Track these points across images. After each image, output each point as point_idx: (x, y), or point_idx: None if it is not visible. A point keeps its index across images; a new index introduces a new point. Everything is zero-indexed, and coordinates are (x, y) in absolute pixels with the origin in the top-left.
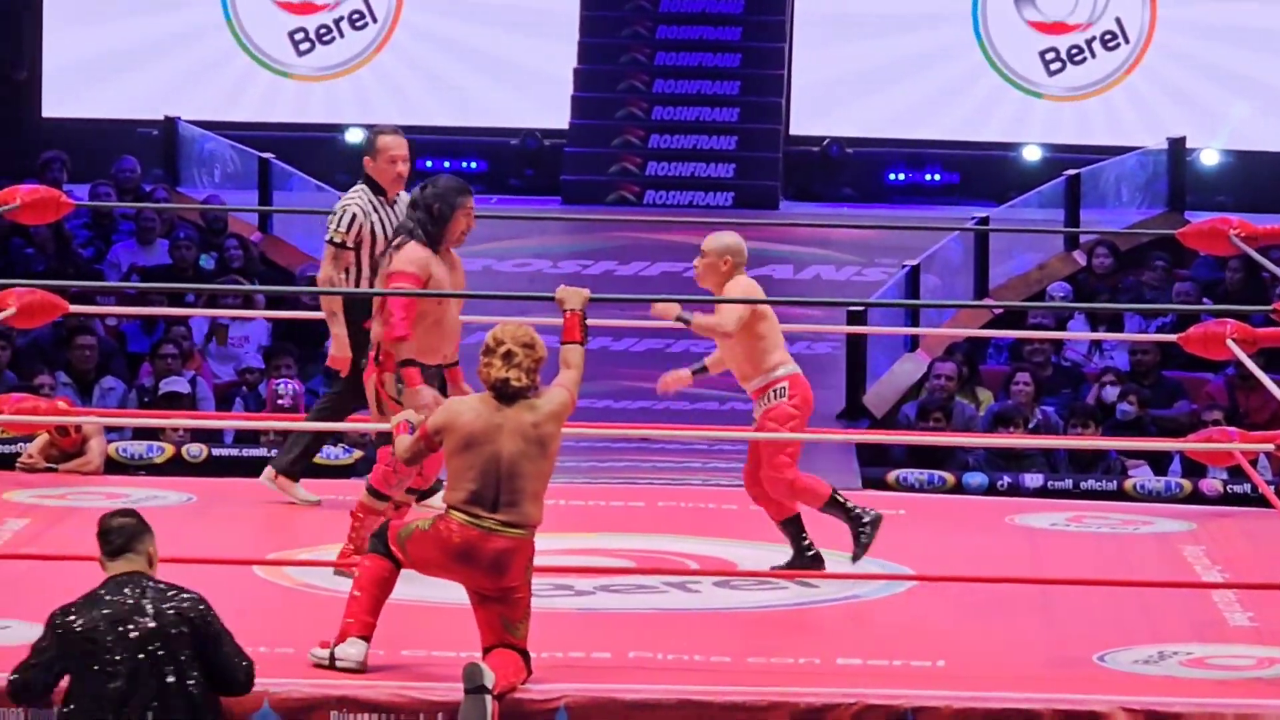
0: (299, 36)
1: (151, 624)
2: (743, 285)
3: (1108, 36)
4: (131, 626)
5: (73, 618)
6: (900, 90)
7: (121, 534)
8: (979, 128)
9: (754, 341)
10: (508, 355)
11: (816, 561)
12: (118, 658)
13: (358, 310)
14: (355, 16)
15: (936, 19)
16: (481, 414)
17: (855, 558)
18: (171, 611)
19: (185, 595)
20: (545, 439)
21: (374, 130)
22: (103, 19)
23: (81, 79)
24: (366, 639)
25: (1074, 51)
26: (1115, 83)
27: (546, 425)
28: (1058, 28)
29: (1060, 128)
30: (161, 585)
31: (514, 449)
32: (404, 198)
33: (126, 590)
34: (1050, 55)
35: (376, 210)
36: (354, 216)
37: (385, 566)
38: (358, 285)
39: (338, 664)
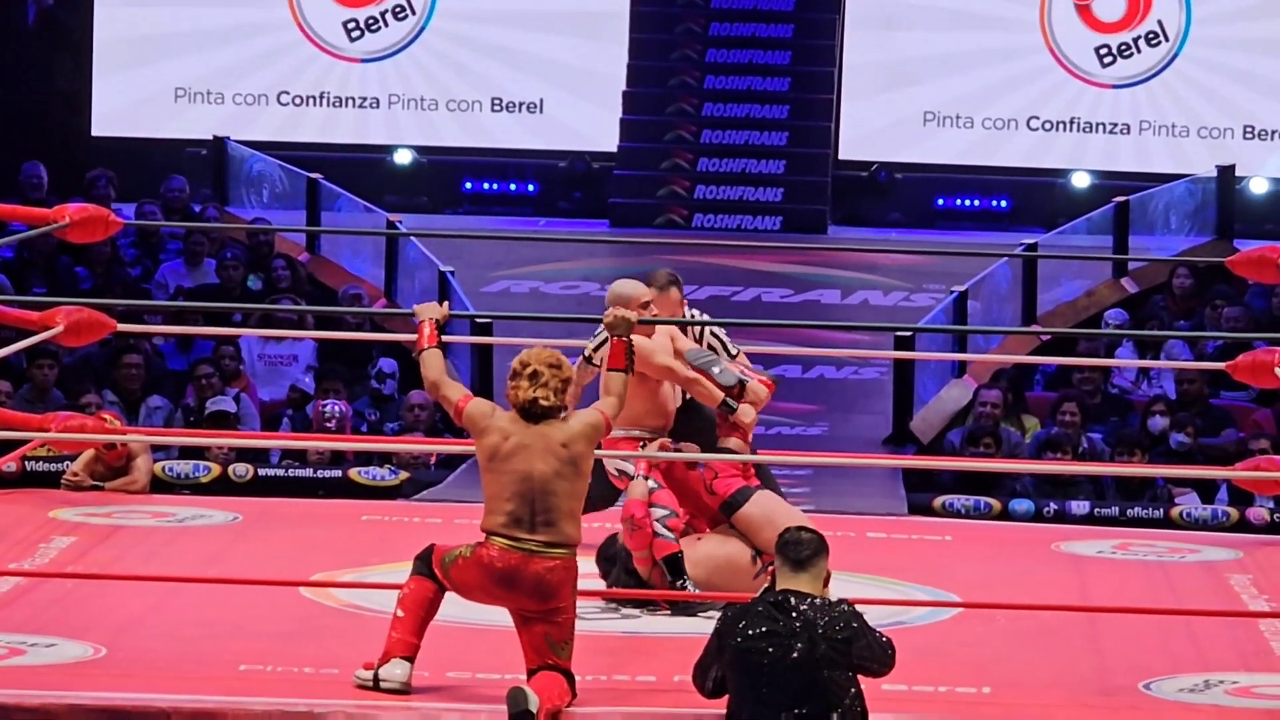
0: (350, 26)
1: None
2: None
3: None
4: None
5: (738, 628)
6: (950, 116)
7: (808, 547)
8: (1028, 155)
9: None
10: (534, 375)
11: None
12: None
13: None
14: (400, 14)
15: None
16: (510, 432)
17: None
18: (824, 629)
19: (841, 613)
20: (576, 458)
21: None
22: (151, 41)
23: (129, 98)
24: (411, 660)
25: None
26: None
27: (576, 445)
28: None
29: (1109, 155)
30: (821, 603)
31: (545, 468)
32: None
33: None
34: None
35: None
36: (605, 339)
37: (430, 588)
38: None
39: (382, 685)
